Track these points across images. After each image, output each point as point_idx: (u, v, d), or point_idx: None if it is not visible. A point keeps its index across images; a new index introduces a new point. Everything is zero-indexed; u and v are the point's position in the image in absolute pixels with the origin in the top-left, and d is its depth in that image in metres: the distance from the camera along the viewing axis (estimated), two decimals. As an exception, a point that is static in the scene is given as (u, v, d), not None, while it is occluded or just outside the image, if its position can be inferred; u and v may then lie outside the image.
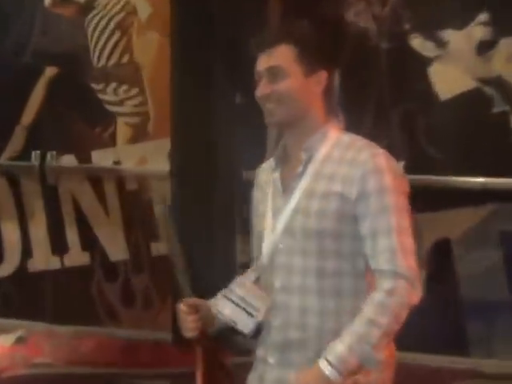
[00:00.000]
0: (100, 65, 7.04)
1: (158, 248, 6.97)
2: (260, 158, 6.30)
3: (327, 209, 3.00)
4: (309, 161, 3.08)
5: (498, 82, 6.20)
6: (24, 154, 7.21)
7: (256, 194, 3.33)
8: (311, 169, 3.06)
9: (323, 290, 3.02)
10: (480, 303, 6.23)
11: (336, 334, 2.96)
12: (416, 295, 3.01)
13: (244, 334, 3.20)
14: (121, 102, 7.03)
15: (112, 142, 7.08)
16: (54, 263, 7.21)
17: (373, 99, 6.44)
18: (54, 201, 7.16)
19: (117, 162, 7.07)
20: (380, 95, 6.42)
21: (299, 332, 3.07)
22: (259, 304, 3.13)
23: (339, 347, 2.91)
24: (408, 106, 6.40)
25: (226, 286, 6.70)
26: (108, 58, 7.01)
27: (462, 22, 6.22)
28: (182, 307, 3.26)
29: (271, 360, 3.16)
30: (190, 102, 6.46)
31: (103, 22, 7.00)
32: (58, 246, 7.21)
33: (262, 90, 3.11)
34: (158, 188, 6.91)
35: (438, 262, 6.27)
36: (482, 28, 6.20)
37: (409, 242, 3.01)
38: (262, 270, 3.18)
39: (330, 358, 2.91)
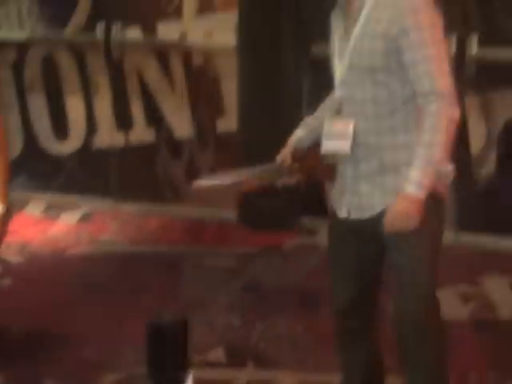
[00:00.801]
0: None
1: (224, 124, 7.03)
2: (326, 30, 6.58)
3: (375, 47, 3.63)
4: (362, 8, 3.67)
5: None
6: (89, 27, 7.24)
7: (332, 37, 3.93)
8: (363, 14, 3.66)
9: (379, 114, 3.70)
10: None
11: (392, 148, 3.71)
12: (456, 110, 3.62)
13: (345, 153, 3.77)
14: None
15: (178, 13, 7.06)
16: (119, 140, 7.31)
17: None
18: (119, 75, 7.22)
19: (183, 35, 7.06)
20: None
21: (363, 150, 3.75)
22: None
23: (414, 174, 3.59)
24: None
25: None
26: None
27: None
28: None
29: (348, 172, 3.81)
30: None
31: None
32: (123, 121, 7.28)
33: None
34: (224, 63, 6.94)
35: (510, 143, 6.27)
36: None
37: (445, 67, 3.64)
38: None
39: (412, 184, 3.59)
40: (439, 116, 3.59)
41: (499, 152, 6.36)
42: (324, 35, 6.43)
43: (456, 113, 3.62)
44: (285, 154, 4.09)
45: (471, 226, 6.43)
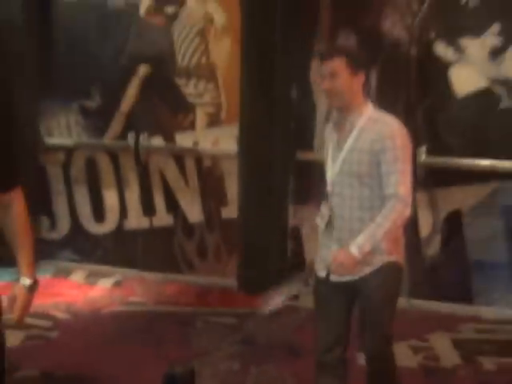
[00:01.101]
0: (183, 64, 7.01)
1: (227, 212, 6.98)
2: (310, 142, 6.64)
3: (362, 159, 3.90)
4: (352, 128, 3.93)
5: (506, 82, 6.14)
6: (122, 135, 7.25)
7: (326, 145, 4.13)
8: (353, 134, 3.92)
9: (363, 206, 3.94)
10: (483, 262, 6.21)
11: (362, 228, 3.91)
12: (408, 210, 3.91)
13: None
14: (200, 95, 7.02)
15: (192, 126, 7.08)
16: (145, 223, 7.29)
17: (403, 96, 6.38)
18: (145, 173, 7.21)
19: (195, 143, 7.08)
20: (409, 93, 6.37)
21: (348, 233, 3.97)
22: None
23: (360, 240, 3.86)
24: (431, 102, 6.35)
25: (279, 243, 6.66)
26: (190, 59, 6.99)
27: (477, 32, 6.17)
28: None
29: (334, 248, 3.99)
30: (255, 96, 6.49)
31: (186, 29, 6.98)
32: (148, 209, 7.27)
33: (326, 85, 3.93)
34: (228, 165, 6.93)
35: (450, 229, 6.28)
36: (494, 37, 6.14)
37: (408, 178, 3.92)
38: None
39: (356, 245, 3.86)
40: (393, 210, 3.87)
41: (442, 236, 6.38)
42: (306, 144, 6.67)
43: (407, 212, 3.90)
44: None
45: (420, 293, 6.42)
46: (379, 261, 3.96)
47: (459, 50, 6.26)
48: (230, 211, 6.94)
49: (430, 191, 6.30)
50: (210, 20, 6.97)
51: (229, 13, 6.88)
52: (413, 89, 6.36)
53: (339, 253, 3.89)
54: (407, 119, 6.20)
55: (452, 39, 6.26)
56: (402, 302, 6.28)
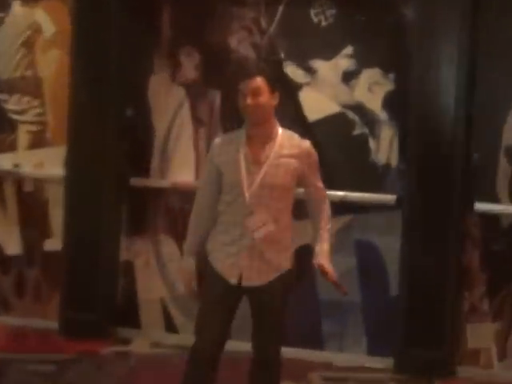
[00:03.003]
0: (5, 77, 6.50)
1: (51, 244, 6.48)
2: (147, 166, 6.23)
3: (287, 174, 4.25)
4: (269, 143, 4.25)
5: (359, 108, 5.94)
6: None
7: (218, 159, 4.33)
8: (275, 148, 4.25)
9: (278, 218, 4.29)
10: (334, 303, 5.92)
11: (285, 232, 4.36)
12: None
13: None
14: (23, 112, 6.51)
15: (13, 146, 6.53)
16: (-46, 255, 6.65)
17: None
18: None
19: (16, 165, 6.51)
20: None
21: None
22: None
23: (325, 247, 4.37)
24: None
25: (108, 280, 6.24)
26: (13, 72, 6.49)
27: (330, 54, 5.97)
28: None
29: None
30: (86, 115, 6.16)
31: (11, 39, 6.48)
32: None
33: (250, 101, 4.21)
34: (54, 191, 6.43)
35: (299, 266, 5.88)
36: (347, 59, 5.95)
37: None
38: (231, 208, 4.29)
39: (325, 256, 4.36)
40: (328, 211, 4.44)
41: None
42: (142, 169, 6.24)
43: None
44: None
45: None
46: (284, 267, 4.33)
47: (310, 71, 6.04)
48: (54, 243, 6.45)
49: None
50: (37, 30, 6.50)
51: (59, 23, 6.44)
52: None
53: (326, 264, 4.32)
54: None
55: (303, 60, 6.02)
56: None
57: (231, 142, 4.37)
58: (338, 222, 5.87)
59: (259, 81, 4.27)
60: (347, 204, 5.90)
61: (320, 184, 4.43)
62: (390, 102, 5.91)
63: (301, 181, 4.36)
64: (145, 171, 6.30)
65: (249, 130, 4.31)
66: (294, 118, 5.95)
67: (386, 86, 5.90)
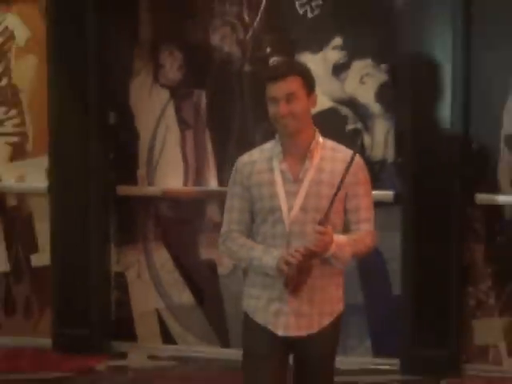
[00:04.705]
0: None
1: (39, 259, 6.26)
2: (134, 173, 6.02)
3: (328, 193, 3.50)
4: (309, 157, 3.56)
5: (351, 102, 5.72)
6: None
7: (248, 182, 3.64)
8: (314, 164, 3.56)
9: None
10: None
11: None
12: (374, 243, 3.67)
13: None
14: (0, 123, 6.27)
15: None
16: None
17: (236, 120, 5.89)
18: None
19: (-4, 179, 6.35)
20: (243, 116, 5.87)
21: None
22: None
23: (343, 237, 3.53)
24: (269, 125, 5.78)
25: (100, 293, 6.09)
26: None
27: (318, 46, 5.74)
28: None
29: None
30: (67, 124, 5.95)
31: None
32: None
33: (282, 110, 3.52)
34: (38, 204, 6.22)
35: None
36: (336, 52, 5.73)
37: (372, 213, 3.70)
38: (269, 240, 3.58)
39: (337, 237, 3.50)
40: (369, 236, 3.64)
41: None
42: (129, 178, 6.05)
43: (373, 244, 3.69)
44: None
45: None
46: (338, 309, 3.67)
47: None
48: (42, 258, 6.24)
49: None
50: (10, 36, 6.24)
51: (33, 28, 6.19)
52: (248, 110, 5.87)
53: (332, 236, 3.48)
54: (241, 145, 5.76)
55: (290, 55, 5.75)
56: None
57: (262, 159, 3.66)
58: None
59: (293, 82, 3.52)
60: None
61: (367, 214, 3.62)
62: (383, 95, 5.67)
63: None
64: (132, 179, 6.09)
65: (283, 143, 3.61)
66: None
67: (379, 77, 5.66)
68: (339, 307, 3.66)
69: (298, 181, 3.55)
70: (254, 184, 3.61)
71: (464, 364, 5.61)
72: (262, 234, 3.59)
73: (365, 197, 3.62)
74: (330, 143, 3.65)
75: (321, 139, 3.63)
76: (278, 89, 3.50)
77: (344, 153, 3.60)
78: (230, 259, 3.90)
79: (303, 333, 3.56)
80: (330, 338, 3.64)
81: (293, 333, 3.54)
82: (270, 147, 3.66)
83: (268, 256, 3.49)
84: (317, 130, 3.66)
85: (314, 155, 3.56)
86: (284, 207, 3.53)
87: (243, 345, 3.68)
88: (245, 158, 3.69)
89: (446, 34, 5.40)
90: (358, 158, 3.58)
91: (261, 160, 3.64)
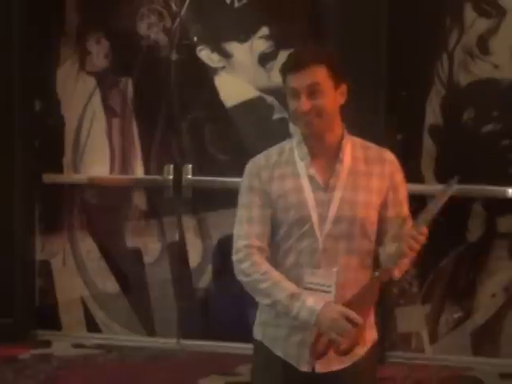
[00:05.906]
0: None
1: None
2: (60, 161, 5.99)
3: (371, 200, 3.02)
4: (341, 161, 3.04)
5: (277, 91, 5.72)
6: None
7: (270, 187, 3.05)
8: (346, 167, 3.03)
9: (361, 265, 3.04)
10: None
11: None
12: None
13: None
14: None
15: None
16: None
17: (163, 108, 5.91)
18: None
19: None
20: (170, 104, 5.90)
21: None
22: (326, 281, 3.00)
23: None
24: (196, 114, 5.88)
25: (25, 281, 6.02)
26: None
27: (245, 36, 5.78)
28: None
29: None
30: None
31: None
32: None
33: (303, 106, 2.95)
34: None
35: (223, 257, 5.78)
36: (263, 41, 5.77)
37: None
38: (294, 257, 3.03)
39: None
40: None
41: (214, 266, 5.89)
42: (54, 165, 6.02)
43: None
44: None
45: (192, 333, 5.91)
46: (372, 338, 3.11)
47: (225, 55, 5.84)
48: None
49: (198, 215, 5.84)
50: None
51: None
52: (175, 98, 5.89)
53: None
54: (168, 134, 5.85)
55: (217, 44, 5.83)
56: (171, 343, 5.86)
57: (282, 162, 3.08)
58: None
59: (317, 71, 2.94)
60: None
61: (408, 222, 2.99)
62: (309, 84, 5.78)
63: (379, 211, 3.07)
64: (58, 167, 6.07)
65: (307, 144, 3.06)
66: (210, 106, 5.79)
67: (305, 67, 5.75)
68: (373, 335, 3.12)
69: (328, 187, 3.01)
70: (275, 191, 3.03)
71: (387, 351, 5.70)
72: (284, 250, 3.03)
73: (405, 202, 3.11)
74: (359, 141, 3.12)
75: (348, 136, 3.10)
76: (298, 79, 2.94)
77: (377, 151, 3.10)
78: (246, 288, 3.13)
79: (333, 368, 3.01)
80: (366, 372, 3.08)
81: (320, 368, 3.00)
82: (289, 147, 3.09)
83: (299, 304, 2.91)
84: (343, 125, 3.10)
85: (345, 157, 3.03)
86: (315, 218, 2.99)
87: (253, 381, 3.19)
88: (261, 160, 3.09)
89: (371, 26, 5.41)
90: (390, 154, 3.11)
91: (281, 163, 3.07)
